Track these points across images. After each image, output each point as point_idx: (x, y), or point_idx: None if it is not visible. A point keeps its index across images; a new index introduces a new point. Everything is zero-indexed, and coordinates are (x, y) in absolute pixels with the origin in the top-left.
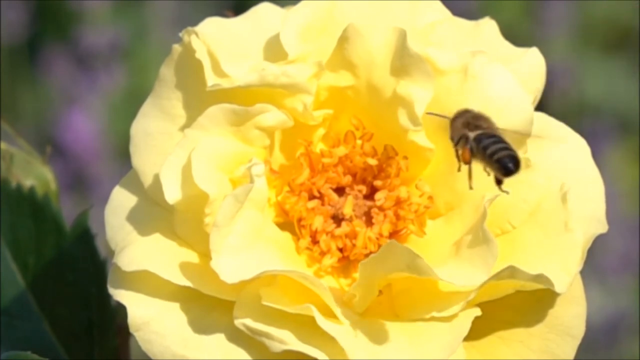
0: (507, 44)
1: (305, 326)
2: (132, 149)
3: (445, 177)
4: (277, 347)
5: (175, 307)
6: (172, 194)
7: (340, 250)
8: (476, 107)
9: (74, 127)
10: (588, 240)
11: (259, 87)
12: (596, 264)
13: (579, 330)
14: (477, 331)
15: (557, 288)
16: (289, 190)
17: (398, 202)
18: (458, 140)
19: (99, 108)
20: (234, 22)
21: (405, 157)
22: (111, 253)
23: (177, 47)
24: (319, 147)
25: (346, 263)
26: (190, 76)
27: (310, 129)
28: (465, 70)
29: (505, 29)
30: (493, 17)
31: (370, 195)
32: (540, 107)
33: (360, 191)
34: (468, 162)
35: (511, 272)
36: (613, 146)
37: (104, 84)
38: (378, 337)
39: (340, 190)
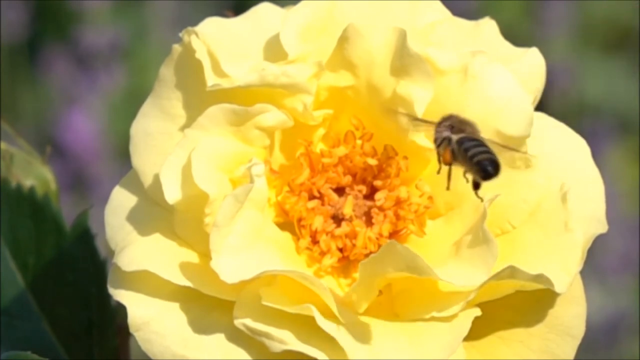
0: (507, 44)
1: (305, 326)
2: (132, 149)
3: (445, 177)
4: (277, 347)
5: (175, 307)
6: (172, 194)
7: (340, 250)
8: (476, 107)
9: (74, 127)
10: (588, 240)
11: (259, 87)
12: (596, 264)
13: (579, 330)
14: (477, 331)
15: (557, 288)
16: (289, 190)
17: (398, 202)
18: (441, 142)
19: (99, 108)
20: (234, 22)
21: (405, 157)
22: (111, 253)
23: (177, 47)
24: (319, 147)
25: (346, 263)
26: (190, 76)
27: (310, 129)
28: (465, 70)
29: (505, 29)
30: (493, 17)
31: (370, 195)
32: (540, 107)
33: (360, 191)
34: (448, 164)
35: (511, 272)
36: (613, 146)
37: (104, 84)
38: (378, 337)
39: (340, 190)
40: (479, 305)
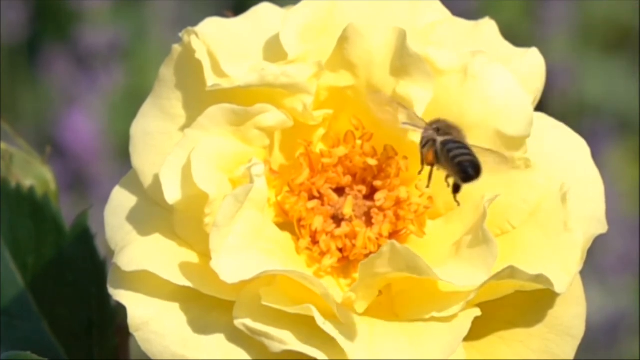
0: (506, 44)
1: (305, 326)
2: (132, 149)
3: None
4: (276, 347)
5: (174, 307)
6: (172, 194)
7: (340, 250)
8: (476, 107)
9: (73, 127)
10: (588, 240)
11: (259, 87)
12: (596, 264)
13: (578, 330)
14: (477, 331)
15: (557, 288)
16: (289, 190)
17: (398, 203)
18: (425, 143)
19: (98, 108)
20: (234, 22)
21: (405, 157)
22: (111, 253)
23: (177, 47)
24: (319, 147)
25: (346, 263)
26: (190, 76)
27: (310, 129)
28: (465, 70)
29: (505, 29)
30: (493, 17)
31: (370, 196)
32: (540, 107)
33: (360, 191)
34: (430, 164)
35: (511, 272)
36: (613, 146)
37: (104, 84)
38: (378, 337)
39: (340, 191)
40: (479, 305)
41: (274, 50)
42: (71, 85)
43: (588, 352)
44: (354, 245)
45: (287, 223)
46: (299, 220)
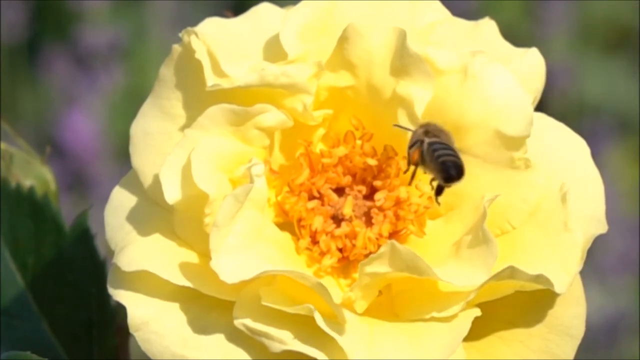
0: (506, 44)
1: (305, 326)
2: (132, 149)
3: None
4: (276, 347)
5: (174, 307)
6: (172, 194)
7: (340, 250)
8: (476, 106)
9: (73, 127)
10: (588, 240)
11: (259, 87)
12: (596, 264)
13: (578, 330)
14: (477, 331)
15: (557, 288)
16: (289, 190)
17: (398, 203)
18: (413, 144)
19: (98, 108)
20: (233, 22)
21: (405, 158)
22: (111, 253)
23: (176, 47)
24: (319, 147)
25: (346, 263)
26: (190, 76)
27: (310, 129)
28: (465, 70)
29: (505, 29)
30: (493, 17)
31: (370, 196)
32: (540, 107)
33: (360, 191)
34: (415, 164)
35: (511, 272)
36: (613, 146)
37: (104, 84)
38: (378, 337)
39: (340, 191)
40: (478, 305)
41: (274, 50)
42: (71, 85)
43: (588, 352)
44: (354, 246)
45: (287, 223)
46: (299, 220)
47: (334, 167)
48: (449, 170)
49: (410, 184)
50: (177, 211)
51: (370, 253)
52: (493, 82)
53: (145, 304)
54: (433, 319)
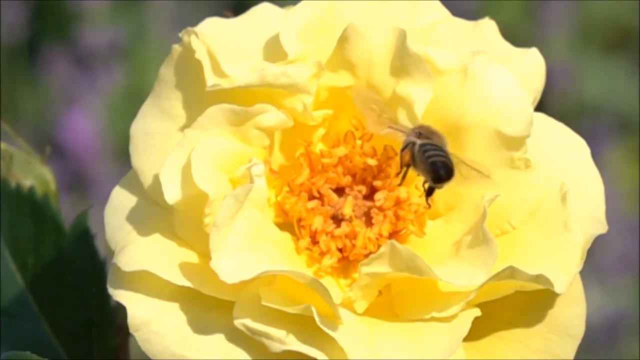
0: (506, 44)
1: (305, 326)
2: (132, 149)
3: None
4: (276, 347)
5: (174, 307)
6: (172, 194)
7: (340, 250)
8: (476, 107)
9: (73, 127)
10: (588, 240)
11: (259, 87)
12: (596, 264)
13: (578, 330)
14: (477, 331)
15: (557, 288)
16: (289, 190)
17: (398, 203)
18: (405, 146)
19: (98, 108)
20: (233, 22)
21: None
22: (111, 253)
23: (176, 48)
24: (319, 147)
25: (346, 263)
26: (190, 76)
27: (310, 129)
28: (465, 70)
29: (505, 29)
30: (493, 17)
31: (370, 196)
32: (540, 107)
33: (360, 191)
34: (407, 165)
35: (511, 272)
36: (613, 146)
37: (104, 84)
38: (378, 337)
39: (340, 191)
40: (478, 305)
41: (274, 50)
42: (71, 85)
43: (588, 352)
44: (353, 246)
45: (287, 223)
46: (299, 220)
47: (334, 167)
48: (438, 170)
49: (400, 184)
50: (177, 211)
51: (370, 253)
52: (493, 82)
53: (145, 304)
54: (433, 319)
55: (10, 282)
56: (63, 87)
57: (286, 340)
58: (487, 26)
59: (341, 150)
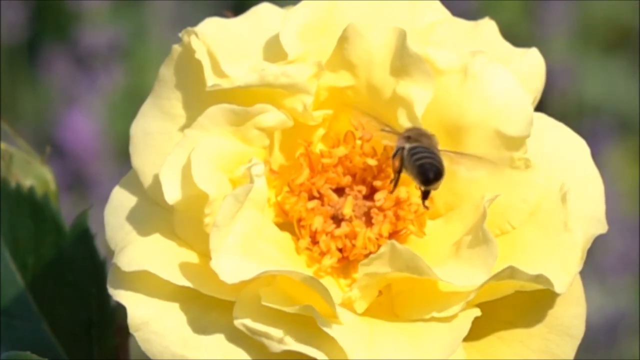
0: (506, 44)
1: (305, 326)
2: (132, 149)
3: (445, 178)
4: (276, 347)
5: (174, 307)
6: (172, 194)
7: (340, 250)
8: (476, 107)
9: (73, 127)
10: (588, 240)
11: (259, 87)
12: (596, 264)
13: (578, 330)
14: (477, 331)
15: (557, 288)
16: (289, 190)
17: (398, 203)
18: (396, 152)
19: (98, 108)
20: (233, 22)
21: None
22: (111, 253)
23: (176, 48)
24: (319, 147)
25: (346, 263)
26: (190, 76)
27: (310, 129)
28: (465, 70)
29: (505, 29)
30: (493, 17)
31: (370, 196)
32: (540, 107)
33: (360, 191)
34: (397, 171)
35: (511, 272)
36: (613, 146)
37: (104, 84)
38: (378, 337)
39: (340, 191)
40: (478, 305)
41: (274, 50)
42: (71, 85)
43: (588, 352)
44: (353, 246)
45: (287, 223)
46: (299, 220)
47: (334, 167)
48: (426, 173)
49: (392, 191)
50: (177, 211)
51: (370, 253)
52: (493, 82)
53: (145, 304)
54: (433, 319)
55: (10, 282)
56: (63, 87)
57: (286, 340)
58: (487, 26)
59: (341, 150)
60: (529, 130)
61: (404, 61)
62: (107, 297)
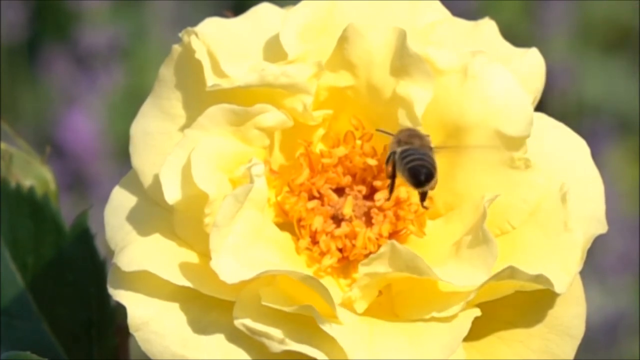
0: (506, 44)
1: (305, 326)
2: (132, 149)
3: (444, 178)
4: (276, 347)
5: (174, 307)
6: (172, 194)
7: (340, 250)
8: (476, 107)
9: (73, 127)
10: (588, 240)
11: (259, 87)
12: (596, 264)
13: (578, 330)
14: (477, 331)
15: (557, 288)
16: (289, 190)
17: (398, 203)
18: (388, 158)
19: (98, 108)
20: (233, 22)
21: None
22: (111, 253)
23: (176, 48)
24: (319, 147)
25: (346, 263)
26: (190, 76)
27: (310, 129)
28: (465, 70)
29: (505, 29)
30: (493, 17)
31: (370, 196)
32: (540, 107)
33: (360, 191)
34: (390, 177)
35: (511, 272)
36: (613, 146)
37: (104, 84)
38: (378, 337)
39: (340, 191)
40: (478, 305)
41: (274, 50)
42: (71, 85)
43: (588, 352)
44: (353, 246)
45: (287, 223)
46: (299, 220)
47: (334, 167)
48: (417, 175)
49: (389, 199)
50: (177, 211)
51: (370, 253)
52: (493, 82)
53: (145, 304)
54: (433, 319)
55: (10, 282)
56: (63, 87)
57: (286, 340)
58: (487, 26)
59: (341, 150)
60: (529, 130)
61: (404, 61)
62: (107, 297)
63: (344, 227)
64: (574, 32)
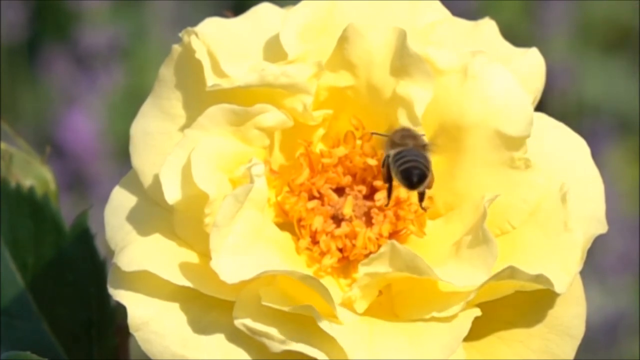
0: (506, 44)
1: (305, 326)
2: (132, 149)
3: (444, 178)
4: (276, 347)
5: (174, 307)
6: (172, 194)
7: (340, 250)
8: (476, 107)
9: (73, 127)
10: (588, 240)
11: (259, 87)
12: (596, 264)
13: (578, 330)
14: (477, 331)
15: (557, 288)
16: (289, 190)
17: (398, 203)
18: (384, 161)
19: (98, 108)
20: (233, 22)
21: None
22: (111, 253)
23: (176, 48)
24: (319, 147)
25: (346, 263)
26: (190, 76)
27: (310, 129)
28: (465, 70)
29: (505, 29)
30: (493, 17)
31: (370, 196)
32: (540, 107)
33: (360, 191)
34: (388, 180)
35: (511, 272)
36: (613, 146)
37: (104, 84)
38: (378, 337)
39: (340, 191)
40: (479, 305)
41: (274, 50)
42: (71, 85)
43: (588, 352)
44: (354, 245)
45: (287, 223)
46: (299, 220)
47: (334, 167)
48: (410, 177)
49: (387, 204)
50: (177, 211)
51: (371, 253)
52: (493, 82)
53: (145, 304)
54: (433, 319)
55: (10, 282)
56: (63, 87)
57: (286, 340)
58: (487, 26)
59: (341, 150)
60: (529, 130)
61: (404, 61)
62: (107, 297)
63: (344, 227)
64: (574, 32)
